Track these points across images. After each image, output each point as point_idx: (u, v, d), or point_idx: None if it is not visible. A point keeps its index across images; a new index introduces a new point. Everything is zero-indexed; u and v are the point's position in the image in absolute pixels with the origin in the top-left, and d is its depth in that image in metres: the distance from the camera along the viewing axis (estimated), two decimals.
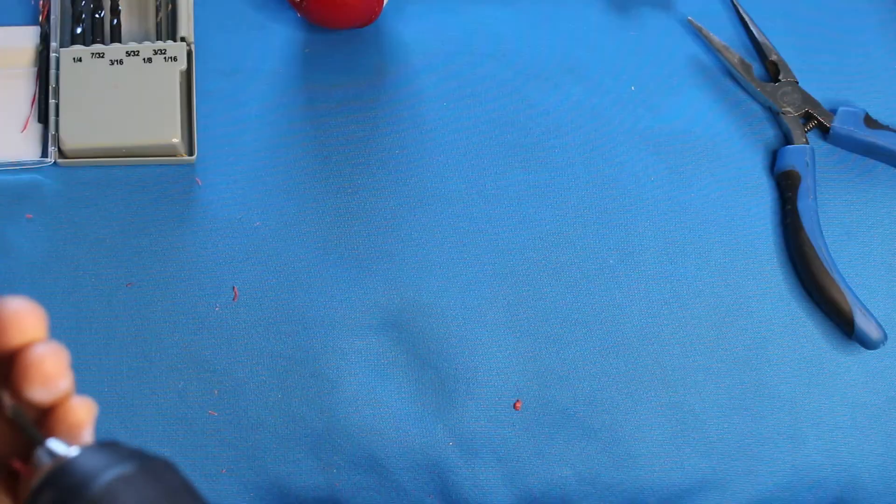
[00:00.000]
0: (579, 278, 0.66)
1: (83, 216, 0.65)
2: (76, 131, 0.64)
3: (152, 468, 0.34)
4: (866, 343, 0.64)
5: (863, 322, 0.64)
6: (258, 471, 0.63)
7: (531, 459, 0.63)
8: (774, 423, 0.65)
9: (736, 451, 0.64)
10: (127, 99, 0.65)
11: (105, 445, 0.35)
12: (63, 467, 0.34)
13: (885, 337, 0.64)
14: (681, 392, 0.65)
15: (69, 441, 0.36)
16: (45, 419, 0.37)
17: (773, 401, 0.65)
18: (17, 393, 0.35)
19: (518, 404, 0.64)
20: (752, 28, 0.70)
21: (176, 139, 0.65)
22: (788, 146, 0.68)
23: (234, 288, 0.65)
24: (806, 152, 0.67)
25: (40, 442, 0.35)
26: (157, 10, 0.68)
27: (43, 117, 0.66)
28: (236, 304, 0.65)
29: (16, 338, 0.35)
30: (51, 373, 0.35)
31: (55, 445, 0.35)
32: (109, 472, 0.33)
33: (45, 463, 0.35)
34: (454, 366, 0.64)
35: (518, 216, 0.67)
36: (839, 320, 0.65)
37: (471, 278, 0.65)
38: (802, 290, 0.67)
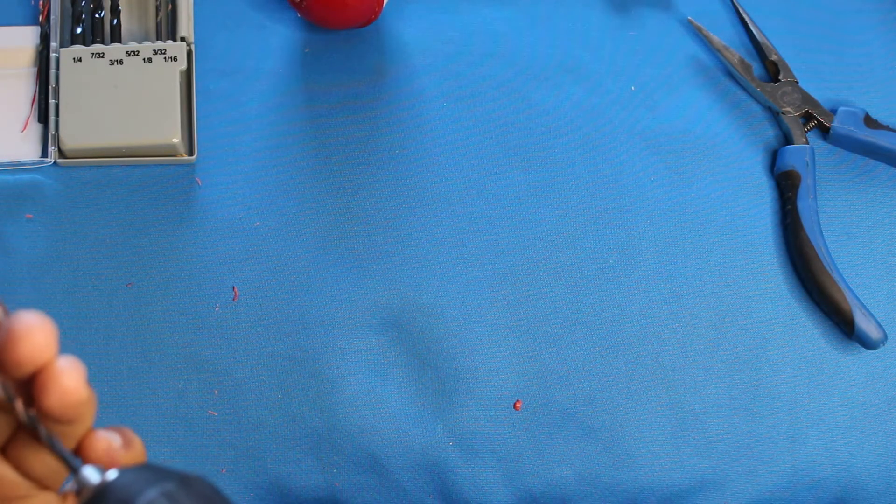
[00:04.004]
0: (579, 278, 0.66)
1: (83, 216, 0.65)
2: (76, 131, 0.64)
3: (192, 483, 0.35)
4: (866, 343, 0.64)
5: (863, 322, 0.64)
6: (258, 471, 0.63)
7: (531, 459, 0.63)
8: (774, 423, 0.65)
9: (736, 451, 0.64)
10: (127, 99, 0.65)
11: (141, 467, 0.36)
12: (104, 490, 0.35)
13: (885, 337, 0.64)
14: (681, 392, 0.65)
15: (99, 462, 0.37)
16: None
17: (773, 401, 0.65)
18: (36, 407, 0.36)
19: (518, 404, 0.64)
20: (752, 28, 0.70)
21: (176, 139, 0.65)
22: (788, 146, 0.68)
23: (234, 288, 0.65)
24: (806, 152, 0.67)
25: (76, 469, 0.36)
26: (157, 10, 0.68)
27: (43, 117, 0.66)
28: (236, 304, 0.65)
29: (28, 354, 0.35)
30: (68, 387, 0.36)
31: (90, 471, 0.36)
32: (152, 489, 0.34)
33: (88, 486, 0.36)
34: (454, 366, 0.64)
35: (518, 216, 0.67)
36: (839, 320, 0.65)
37: (471, 278, 0.65)
38: (802, 290, 0.67)
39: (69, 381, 0.36)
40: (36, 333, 0.35)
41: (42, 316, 0.35)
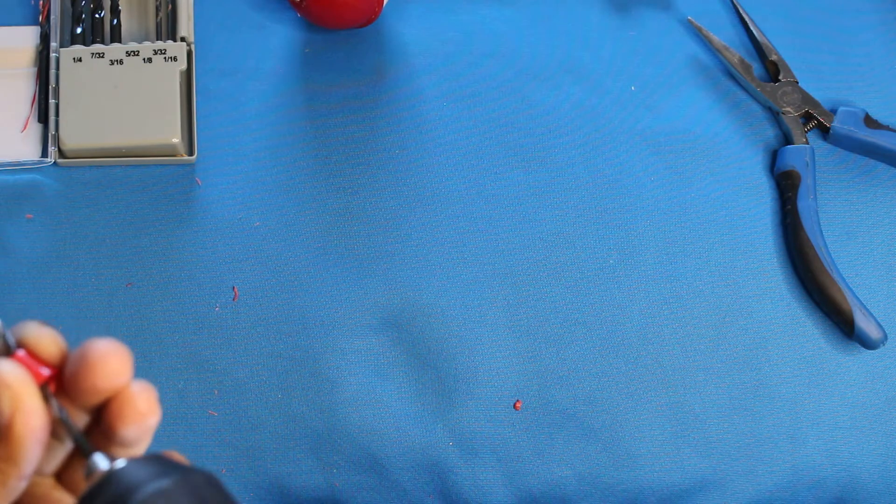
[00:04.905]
0: (579, 278, 0.66)
1: (83, 216, 0.65)
2: (76, 131, 0.64)
3: (194, 481, 0.36)
4: (866, 343, 0.64)
5: (863, 322, 0.64)
6: (258, 471, 0.63)
7: (531, 459, 0.63)
8: (774, 423, 0.65)
9: (736, 451, 0.64)
10: (127, 99, 0.65)
11: (151, 458, 0.37)
12: (109, 478, 0.36)
13: (885, 337, 0.64)
14: (681, 392, 0.65)
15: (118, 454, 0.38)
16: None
17: (773, 401, 0.65)
18: (109, 430, 0.37)
19: (518, 404, 0.64)
20: (752, 28, 0.70)
21: (176, 139, 0.65)
22: (788, 146, 0.68)
23: (234, 288, 0.65)
24: (806, 152, 0.67)
25: (88, 454, 0.37)
26: (157, 10, 0.68)
27: (43, 117, 0.66)
28: (236, 304, 0.65)
29: (104, 381, 0.36)
30: (143, 411, 0.38)
31: (101, 458, 0.37)
32: (151, 485, 0.35)
33: (96, 472, 0.36)
34: (454, 366, 0.64)
35: (518, 216, 0.67)
36: (839, 320, 0.65)
37: (471, 278, 0.65)
38: (802, 290, 0.67)
39: (145, 404, 0.38)
40: (111, 360, 0.36)
41: (116, 342, 0.37)
